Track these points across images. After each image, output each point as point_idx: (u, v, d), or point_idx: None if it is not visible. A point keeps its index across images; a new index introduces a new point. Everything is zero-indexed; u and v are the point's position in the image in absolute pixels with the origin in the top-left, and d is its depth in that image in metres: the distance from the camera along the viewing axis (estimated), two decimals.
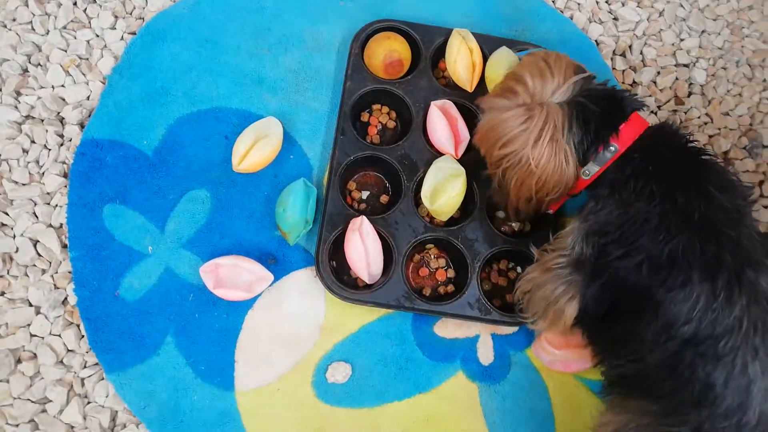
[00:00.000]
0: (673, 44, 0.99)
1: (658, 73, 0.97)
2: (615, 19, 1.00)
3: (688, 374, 0.59)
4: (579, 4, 0.99)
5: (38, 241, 0.77)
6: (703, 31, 1.01)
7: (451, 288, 0.81)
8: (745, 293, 0.57)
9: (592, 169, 0.65)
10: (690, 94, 0.97)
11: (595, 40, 0.97)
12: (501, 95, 0.67)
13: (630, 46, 0.98)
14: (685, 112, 0.96)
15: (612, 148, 0.64)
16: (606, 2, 1.01)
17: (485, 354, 0.80)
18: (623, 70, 0.97)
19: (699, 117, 0.96)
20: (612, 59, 0.97)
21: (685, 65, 0.98)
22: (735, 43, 1.01)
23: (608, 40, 0.98)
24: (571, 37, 0.95)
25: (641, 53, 0.98)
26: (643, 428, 0.63)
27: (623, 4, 1.00)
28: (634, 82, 0.97)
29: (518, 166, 0.65)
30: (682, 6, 1.01)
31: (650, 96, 0.96)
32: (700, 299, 0.58)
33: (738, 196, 0.62)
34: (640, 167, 0.62)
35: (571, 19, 0.97)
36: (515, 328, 0.80)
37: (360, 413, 0.76)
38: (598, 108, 0.63)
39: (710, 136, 0.94)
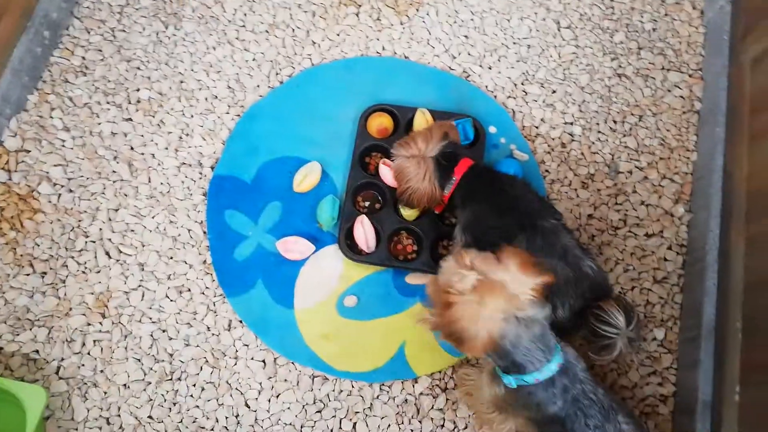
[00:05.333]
0: (562, 111, 1.59)
1: (552, 128, 1.57)
2: (525, 93, 1.61)
3: None
4: (502, 87, 1.61)
5: (191, 229, 1.45)
6: (583, 101, 1.60)
7: (414, 256, 1.42)
8: (539, 231, 1.14)
9: (447, 190, 1.26)
10: (572, 140, 1.56)
11: (511, 110, 1.59)
12: (403, 146, 1.27)
13: (531, 111, 1.58)
14: (568, 152, 1.55)
15: (453, 180, 1.24)
16: (521, 84, 1.62)
17: None
18: (529, 126, 1.57)
19: (576, 155, 1.55)
20: (522, 120, 1.58)
21: (570, 123, 1.58)
22: (605, 107, 1.60)
23: (518, 108, 1.59)
24: (494, 110, 1.56)
25: (542, 117, 1.58)
26: None
27: (530, 84, 1.61)
28: (536, 134, 1.57)
29: (415, 192, 1.27)
30: (569, 86, 1.61)
31: (545, 143, 1.55)
32: (523, 242, 1.15)
33: (519, 185, 1.21)
34: (469, 188, 1.23)
35: (495, 98, 1.59)
36: None
37: (361, 323, 1.37)
38: (444, 160, 1.24)
39: (581, 165, 1.53)
